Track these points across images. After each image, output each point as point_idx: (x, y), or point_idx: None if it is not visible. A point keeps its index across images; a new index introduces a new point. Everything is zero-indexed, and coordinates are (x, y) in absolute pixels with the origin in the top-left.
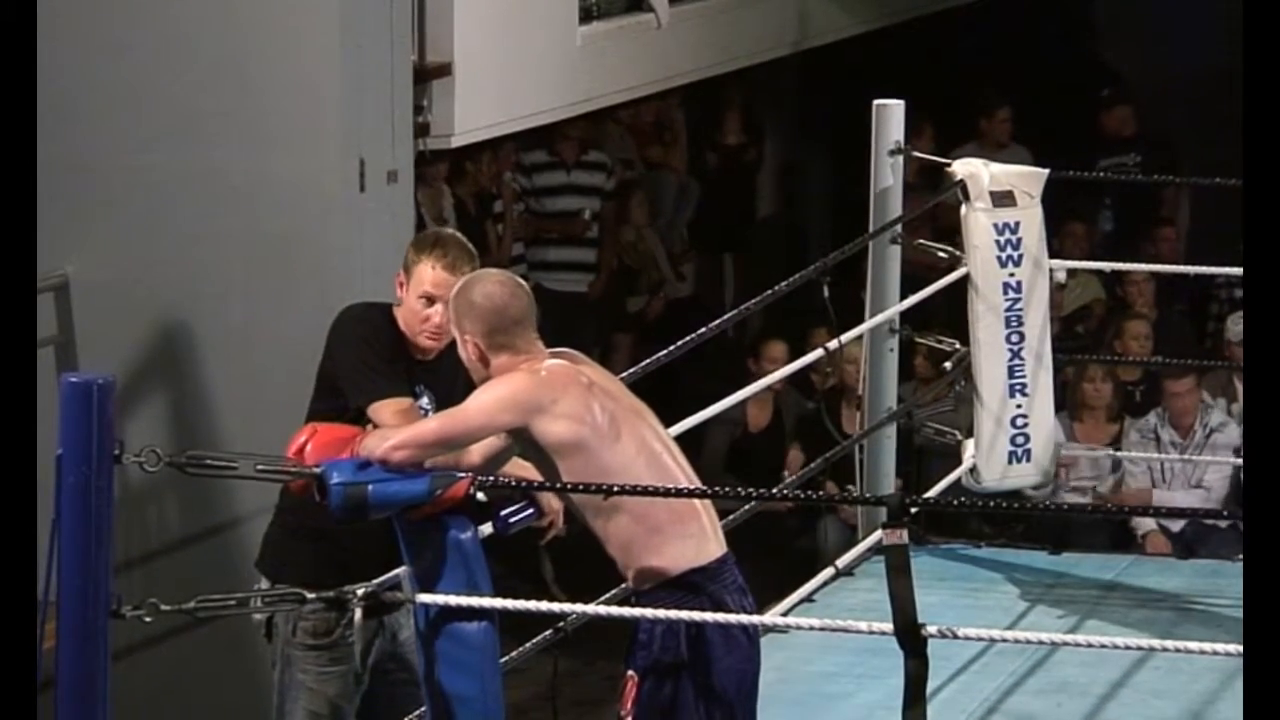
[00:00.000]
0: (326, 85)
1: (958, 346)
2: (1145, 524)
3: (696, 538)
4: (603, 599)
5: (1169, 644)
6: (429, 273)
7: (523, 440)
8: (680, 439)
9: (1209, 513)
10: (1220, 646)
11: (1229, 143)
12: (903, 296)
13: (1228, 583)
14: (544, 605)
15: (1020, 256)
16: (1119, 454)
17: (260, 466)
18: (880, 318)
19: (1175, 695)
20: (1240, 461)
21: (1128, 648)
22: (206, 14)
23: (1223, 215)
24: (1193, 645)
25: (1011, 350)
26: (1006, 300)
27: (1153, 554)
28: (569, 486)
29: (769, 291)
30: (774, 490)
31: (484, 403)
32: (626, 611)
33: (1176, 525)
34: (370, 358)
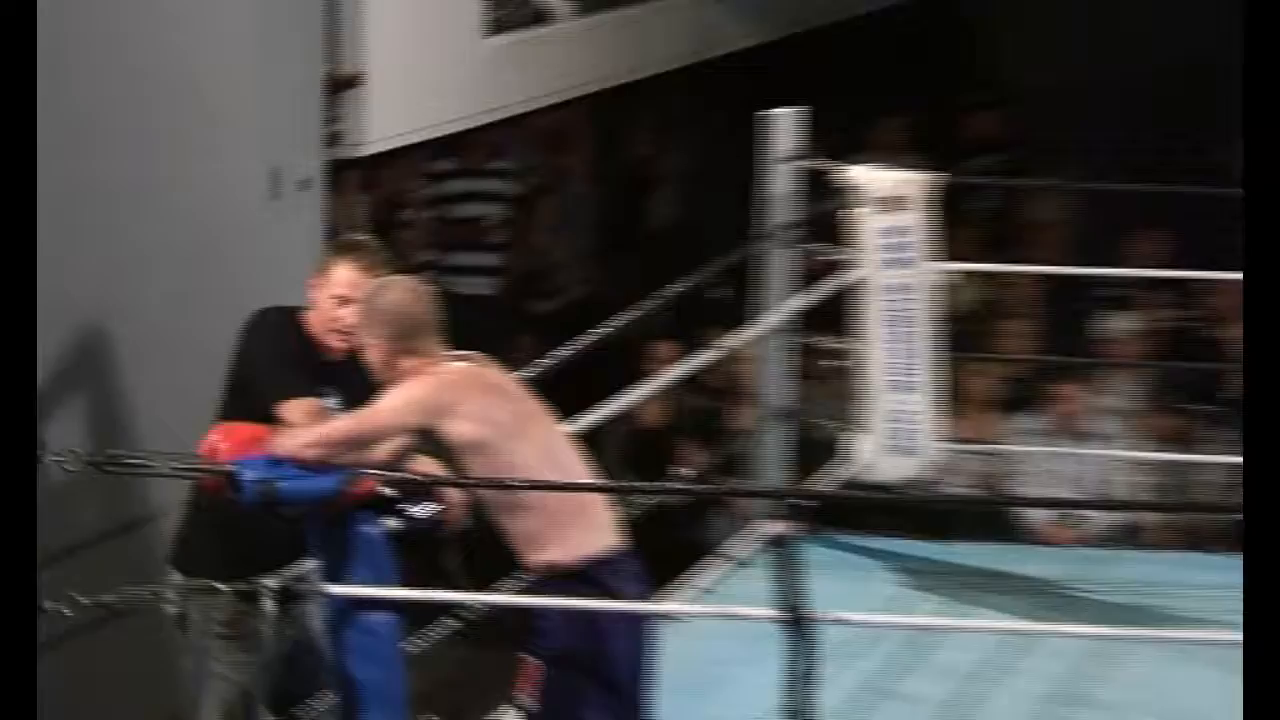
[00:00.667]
0: (240, 94)
1: (848, 345)
2: (1037, 514)
3: (595, 530)
4: (505, 589)
5: (1045, 626)
6: (344, 275)
7: (429, 440)
8: (579, 436)
9: (1081, 503)
10: (1093, 629)
11: (1106, 149)
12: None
13: (1104, 569)
14: (448, 595)
15: (909, 258)
16: (1000, 447)
17: (176, 465)
18: (772, 318)
19: (1050, 677)
20: (1116, 453)
21: (1006, 632)
22: (116, 21)
23: (1108, 218)
24: (1067, 628)
25: (899, 348)
26: (895, 300)
27: (1040, 543)
28: (473, 482)
29: (663, 293)
30: (668, 485)
31: (393, 405)
32: (528, 601)
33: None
34: (279, 359)
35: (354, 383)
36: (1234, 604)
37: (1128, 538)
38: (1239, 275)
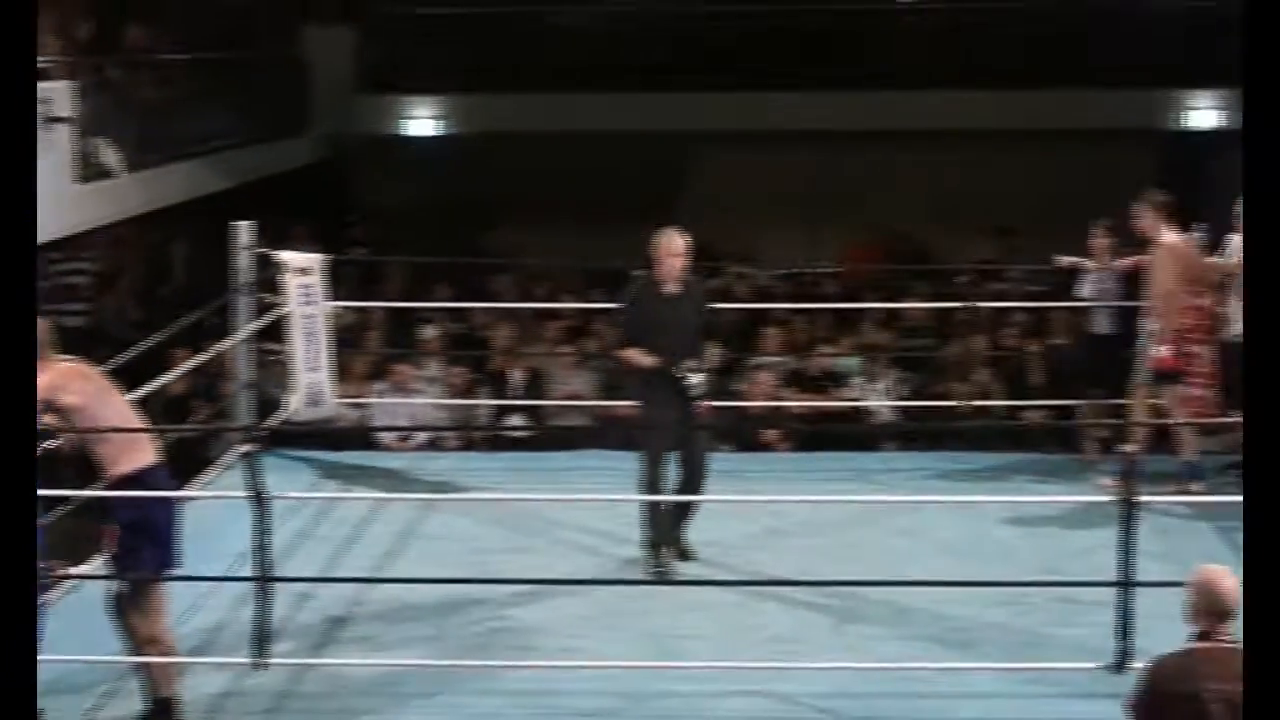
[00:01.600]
0: None
1: (284, 348)
2: (388, 436)
3: (144, 453)
4: (96, 486)
5: (392, 496)
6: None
7: (52, 406)
8: (136, 401)
9: (412, 428)
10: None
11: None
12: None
13: (426, 464)
14: (62, 492)
15: (315, 300)
16: (369, 400)
17: None
18: (242, 334)
19: (398, 519)
20: (432, 400)
21: (380, 499)
22: None
23: (423, 277)
24: (409, 497)
25: (311, 349)
26: (309, 323)
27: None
28: (87, 430)
29: (181, 322)
30: (186, 426)
31: (39, 384)
32: (111, 494)
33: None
34: None
35: None
36: (497, 478)
37: (435, 445)
38: (491, 305)
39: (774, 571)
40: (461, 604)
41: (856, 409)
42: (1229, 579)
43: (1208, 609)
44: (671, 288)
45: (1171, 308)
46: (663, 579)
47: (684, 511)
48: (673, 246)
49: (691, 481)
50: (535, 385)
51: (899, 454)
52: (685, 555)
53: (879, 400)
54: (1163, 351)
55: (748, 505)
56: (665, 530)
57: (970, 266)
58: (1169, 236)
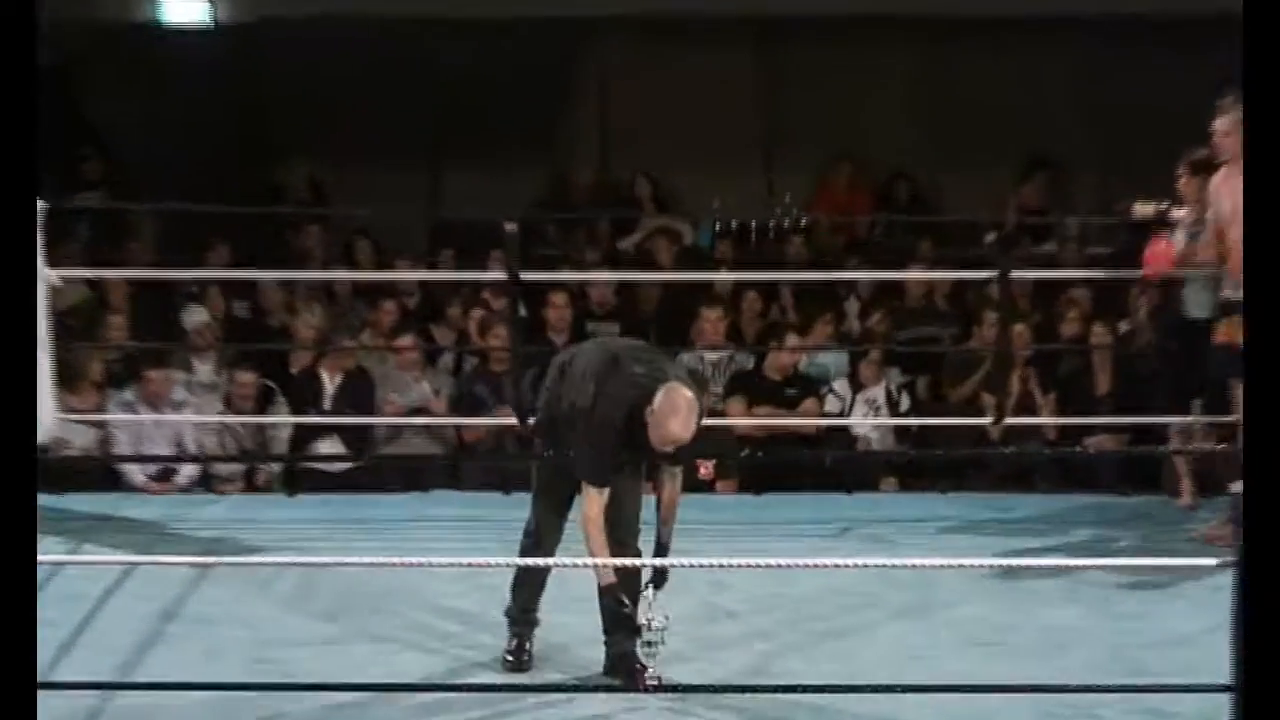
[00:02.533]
0: None
1: None
2: (135, 470)
3: None
4: None
5: (148, 559)
6: None
7: None
8: None
9: (175, 458)
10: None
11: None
12: None
13: (193, 511)
14: None
15: None
16: (101, 417)
17: None
18: None
19: (156, 598)
20: (201, 418)
21: (124, 563)
22: None
23: (188, 234)
24: (168, 559)
25: None
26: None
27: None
28: None
29: None
30: None
31: None
32: None
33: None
34: None
35: None
36: (297, 533)
37: (207, 485)
38: (293, 274)
39: (714, 673)
40: (244, 718)
41: (835, 429)
42: None
43: None
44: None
45: None
46: (548, 687)
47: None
48: (675, 435)
49: (618, 536)
50: (359, 395)
51: (899, 496)
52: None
53: (868, 417)
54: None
55: (680, 571)
56: (528, 610)
57: (1001, 219)
58: None
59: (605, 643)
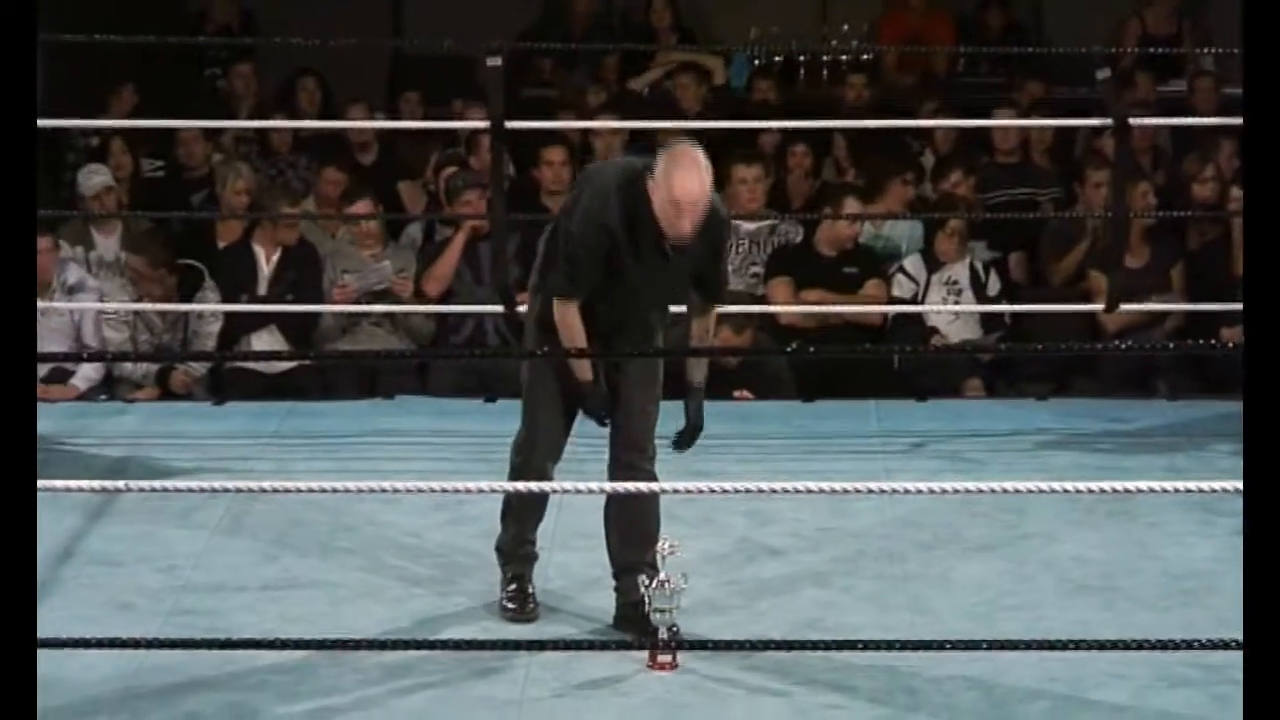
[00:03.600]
0: None
1: None
2: None
3: None
4: None
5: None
6: None
7: None
8: None
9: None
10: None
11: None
12: None
13: (94, 423)
14: None
15: None
16: None
17: None
18: None
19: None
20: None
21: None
22: None
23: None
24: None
25: None
26: None
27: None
28: None
29: None
30: None
31: None
32: None
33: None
34: None
35: None
36: (227, 450)
37: (112, 391)
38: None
39: (756, 626)
40: (160, 683)
41: (905, 319)
42: None
43: None
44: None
45: None
46: (542, 642)
47: (630, 520)
48: (701, 193)
49: (628, 458)
50: (305, 277)
51: (988, 402)
52: (633, 615)
53: (947, 302)
54: None
55: (704, 500)
56: (523, 541)
57: (1118, 50)
58: None
59: (615, 588)
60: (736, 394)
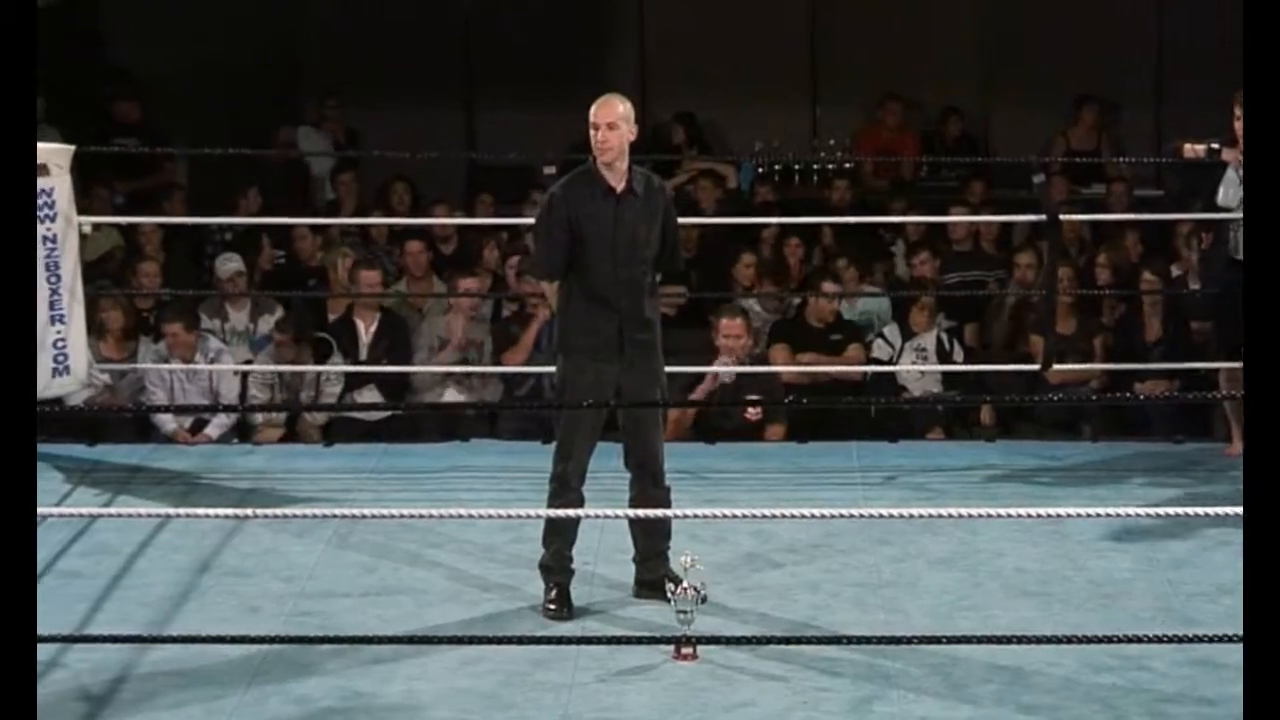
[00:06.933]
0: None
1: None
2: (167, 420)
3: None
4: None
5: (184, 511)
6: None
7: None
8: None
9: (209, 408)
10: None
11: (215, 122)
12: None
13: (225, 461)
14: None
15: (54, 215)
16: (139, 366)
17: None
18: None
19: (191, 550)
20: (241, 367)
21: (159, 515)
22: None
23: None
24: (203, 510)
25: (51, 288)
26: (45, 250)
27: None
28: None
29: None
30: None
31: None
32: None
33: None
34: None
35: None
36: (335, 483)
37: (244, 435)
38: (317, 221)
39: (761, 624)
40: (281, 671)
41: (881, 376)
42: None
43: None
44: (614, 183)
45: None
46: (589, 638)
47: (652, 533)
48: (610, 114)
49: (642, 484)
50: (397, 343)
51: (946, 444)
52: (655, 585)
53: (914, 363)
54: None
55: (717, 522)
56: (562, 556)
57: (1049, 159)
58: None
59: (637, 565)
60: (750, 412)
